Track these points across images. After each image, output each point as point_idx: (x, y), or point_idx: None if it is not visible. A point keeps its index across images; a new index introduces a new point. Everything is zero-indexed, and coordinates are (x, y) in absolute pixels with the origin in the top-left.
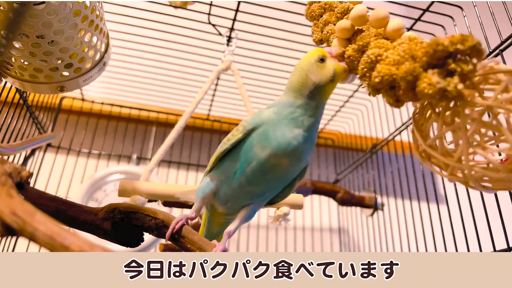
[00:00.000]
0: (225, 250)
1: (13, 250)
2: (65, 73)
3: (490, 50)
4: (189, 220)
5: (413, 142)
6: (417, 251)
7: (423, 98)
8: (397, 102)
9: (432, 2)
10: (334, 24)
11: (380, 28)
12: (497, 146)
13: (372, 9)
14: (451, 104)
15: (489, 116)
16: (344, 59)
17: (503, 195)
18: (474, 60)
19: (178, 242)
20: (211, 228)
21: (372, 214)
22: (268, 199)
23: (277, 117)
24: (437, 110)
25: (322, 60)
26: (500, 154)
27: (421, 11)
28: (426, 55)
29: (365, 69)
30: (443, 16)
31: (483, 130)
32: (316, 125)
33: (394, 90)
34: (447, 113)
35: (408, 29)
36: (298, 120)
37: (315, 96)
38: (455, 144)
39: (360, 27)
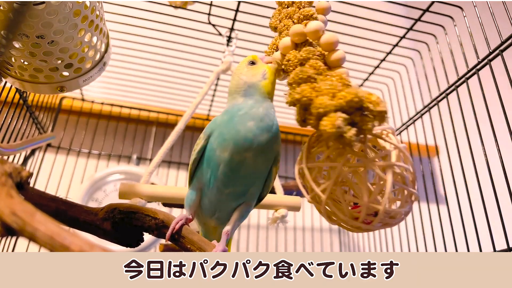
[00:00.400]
0: (224, 250)
1: (13, 250)
2: (65, 73)
3: (490, 51)
4: (188, 220)
5: (299, 157)
6: (417, 251)
7: (322, 133)
8: (303, 122)
9: (432, 2)
10: (293, 22)
11: (316, 40)
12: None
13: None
14: (341, 146)
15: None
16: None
17: (503, 195)
18: (375, 122)
19: (178, 242)
20: (208, 237)
21: None
22: (256, 197)
23: (227, 117)
24: (329, 144)
25: (252, 63)
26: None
27: (421, 11)
28: (343, 99)
29: (293, 81)
30: (443, 16)
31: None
32: (268, 115)
33: (306, 112)
34: (334, 151)
35: (408, 30)
36: (246, 115)
37: (250, 93)
38: (327, 177)
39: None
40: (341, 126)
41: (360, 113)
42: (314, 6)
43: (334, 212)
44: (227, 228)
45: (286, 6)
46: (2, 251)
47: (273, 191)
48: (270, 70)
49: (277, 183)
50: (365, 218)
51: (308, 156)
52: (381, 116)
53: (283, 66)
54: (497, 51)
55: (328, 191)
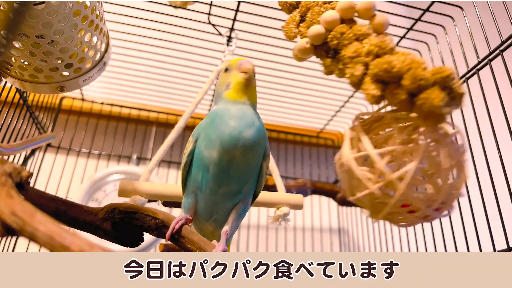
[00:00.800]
0: (225, 250)
1: (13, 250)
2: (65, 73)
3: (491, 51)
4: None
5: (345, 143)
6: (417, 251)
7: (424, 107)
8: (379, 99)
9: (433, 2)
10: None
11: (366, 19)
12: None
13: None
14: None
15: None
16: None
17: (503, 195)
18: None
19: (178, 242)
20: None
21: None
22: (251, 194)
23: (210, 120)
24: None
25: (226, 70)
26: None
27: (421, 11)
28: (440, 75)
29: (366, 54)
30: (444, 16)
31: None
32: (245, 114)
33: (385, 86)
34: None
35: (408, 29)
36: (225, 116)
37: (220, 99)
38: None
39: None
40: (446, 99)
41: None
42: None
43: (409, 201)
44: (226, 228)
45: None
46: (2, 251)
47: (275, 189)
48: (234, 82)
49: (279, 181)
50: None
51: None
52: (460, 99)
53: (329, 40)
54: (497, 51)
55: (408, 177)
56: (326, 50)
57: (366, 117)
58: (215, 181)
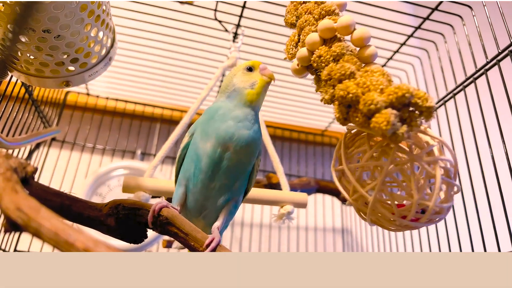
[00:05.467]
0: (219, 241)
1: (16, 246)
2: (71, 68)
3: (499, 51)
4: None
5: (334, 157)
6: (421, 251)
7: (374, 130)
8: (344, 120)
9: (441, 1)
10: (314, 18)
11: (346, 35)
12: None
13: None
14: (384, 144)
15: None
16: (310, 56)
17: (509, 196)
18: (422, 118)
19: (159, 229)
20: None
21: None
22: (242, 192)
23: (207, 117)
24: (370, 143)
25: (249, 69)
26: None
27: (429, 10)
28: (393, 96)
29: (332, 77)
30: (452, 15)
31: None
32: (247, 119)
33: (349, 109)
34: (378, 150)
35: (416, 28)
36: (225, 116)
37: (234, 97)
38: (371, 177)
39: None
40: (395, 123)
41: (408, 109)
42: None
43: (381, 212)
44: (217, 224)
45: (302, 1)
46: (5, 247)
47: (279, 187)
48: (261, 83)
49: (283, 179)
50: (414, 215)
51: (346, 157)
52: (429, 112)
53: (312, 63)
54: (506, 52)
55: (377, 191)
56: (314, 70)
57: (353, 130)
58: (207, 173)
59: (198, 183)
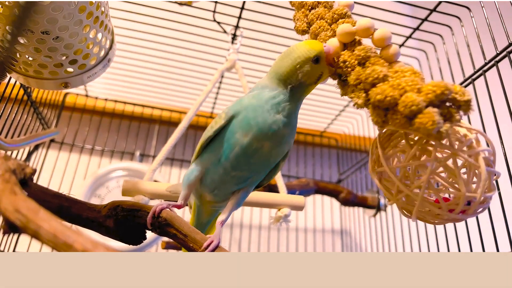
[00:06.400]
0: (219, 243)
1: (15, 247)
2: (70, 69)
3: (498, 52)
4: (174, 208)
5: (370, 159)
6: (420, 251)
7: (419, 130)
8: (383, 123)
9: (440, 2)
10: (327, 22)
11: (367, 37)
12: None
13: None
14: (424, 141)
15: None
16: (334, 61)
17: (508, 197)
18: (462, 113)
19: (157, 230)
20: (201, 218)
21: (375, 215)
22: (256, 184)
23: (257, 102)
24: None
25: (317, 60)
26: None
27: (428, 11)
28: (432, 94)
29: (362, 81)
30: (450, 16)
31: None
32: (295, 112)
33: (387, 112)
34: (417, 148)
35: (414, 30)
36: (279, 106)
37: (297, 91)
38: (409, 176)
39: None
40: (440, 122)
41: (446, 105)
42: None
43: (428, 207)
44: (222, 217)
45: (309, 8)
46: (4, 249)
47: (276, 190)
48: (325, 76)
49: (281, 182)
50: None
51: (384, 158)
52: (468, 105)
53: (336, 68)
54: (504, 53)
55: (423, 189)
56: (338, 75)
57: (384, 131)
58: (233, 163)
59: (220, 168)
